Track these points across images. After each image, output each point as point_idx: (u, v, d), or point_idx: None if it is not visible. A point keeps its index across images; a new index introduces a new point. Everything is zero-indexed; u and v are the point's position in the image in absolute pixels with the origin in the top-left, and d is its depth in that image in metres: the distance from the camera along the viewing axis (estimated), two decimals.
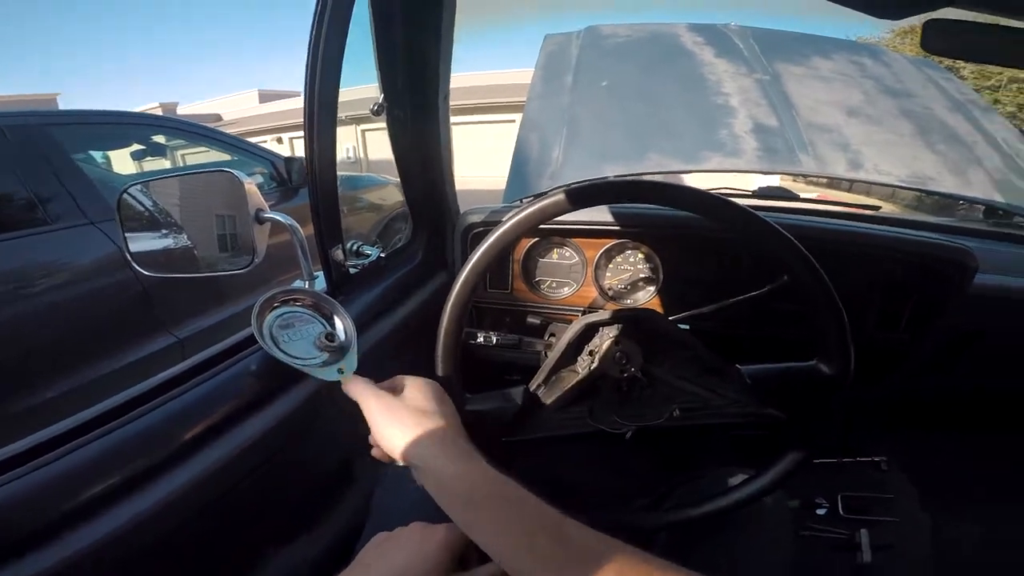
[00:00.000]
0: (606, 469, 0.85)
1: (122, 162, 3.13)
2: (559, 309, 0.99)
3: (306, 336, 0.55)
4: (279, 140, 13.94)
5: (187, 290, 1.95)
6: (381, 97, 0.81)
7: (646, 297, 0.95)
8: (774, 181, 1.31)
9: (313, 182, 0.65)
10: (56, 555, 0.39)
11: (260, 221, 0.63)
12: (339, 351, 0.54)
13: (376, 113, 0.81)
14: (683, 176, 1.73)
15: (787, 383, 0.58)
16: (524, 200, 1.07)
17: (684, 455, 0.89)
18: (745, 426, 0.61)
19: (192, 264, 0.66)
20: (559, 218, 0.56)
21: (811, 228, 0.87)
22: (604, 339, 0.62)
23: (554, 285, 1.00)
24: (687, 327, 0.69)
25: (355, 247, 0.81)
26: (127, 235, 0.64)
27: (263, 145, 2.75)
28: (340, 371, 0.52)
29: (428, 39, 0.81)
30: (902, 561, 1.02)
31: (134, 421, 0.48)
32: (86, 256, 1.74)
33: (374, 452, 0.49)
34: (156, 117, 3.09)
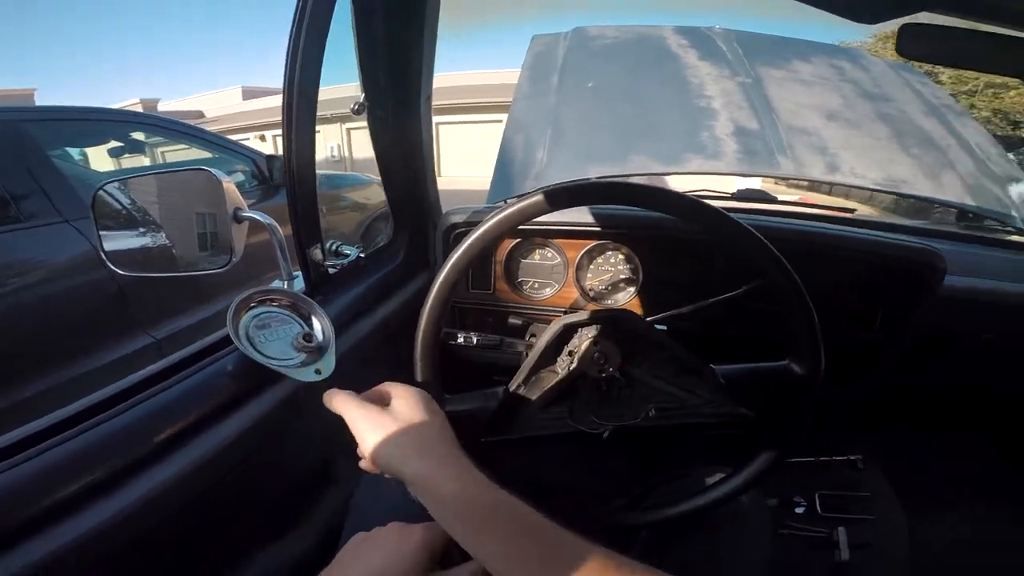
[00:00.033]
0: (585, 469, 0.86)
1: (100, 159, 3.06)
2: (541, 310, 0.99)
3: (283, 336, 0.54)
4: (262, 138, 13.66)
5: (164, 290, 1.92)
6: (362, 96, 0.80)
7: (627, 298, 0.96)
8: (754, 184, 1.32)
9: (291, 180, 0.64)
10: (41, 549, 0.39)
11: (238, 220, 0.62)
12: (317, 352, 0.54)
13: (357, 112, 0.80)
14: (666, 178, 1.75)
15: (759, 382, 0.59)
16: (508, 201, 1.07)
17: (661, 455, 0.90)
18: (719, 425, 0.62)
19: (169, 263, 0.65)
20: (541, 218, 0.57)
21: (787, 230, 0.89)
22: (583, 339, 0.62)
23: (536, 286, 1.00)
24: (665, 327, 0.70)
25: (334, 247, 0.80)
26: (101, 233, 0.63)
27: (246, 143, 2.73)
28: (317, 372, 0.52)
29: (411, 37, 0.81)
30: (879, 559, 1.04)
31: (105, 423, 0.48)
32: (60, 254, 1.71)
33: (362, 464, 0.47)
34: (135, 114, 3.05)
